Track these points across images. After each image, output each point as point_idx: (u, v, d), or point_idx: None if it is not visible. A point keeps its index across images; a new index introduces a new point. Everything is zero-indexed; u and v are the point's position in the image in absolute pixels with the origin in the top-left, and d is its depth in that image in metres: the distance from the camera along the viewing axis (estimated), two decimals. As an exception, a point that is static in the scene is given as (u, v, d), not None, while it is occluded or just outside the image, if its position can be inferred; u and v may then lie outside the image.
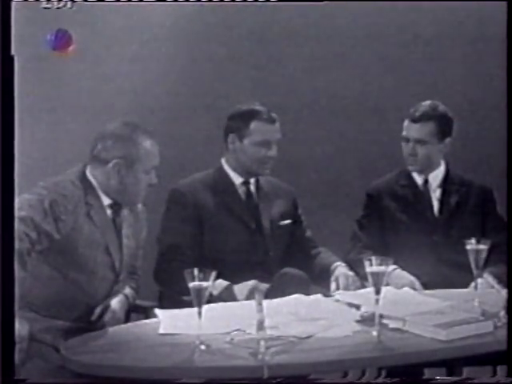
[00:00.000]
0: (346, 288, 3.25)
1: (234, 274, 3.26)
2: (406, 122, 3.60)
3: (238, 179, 3.48)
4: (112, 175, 2.98)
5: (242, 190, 3.49)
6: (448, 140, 3.61)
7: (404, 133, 3.61)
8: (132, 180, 2.99)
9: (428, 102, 3.60)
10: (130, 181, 2.99)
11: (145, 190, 3.04)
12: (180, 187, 3.46)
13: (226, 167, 3.49)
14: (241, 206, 3.46)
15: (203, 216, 3.40)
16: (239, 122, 3.43)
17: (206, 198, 3.43)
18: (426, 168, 3.62)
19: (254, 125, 3.41)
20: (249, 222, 3.45)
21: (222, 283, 3.20)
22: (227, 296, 3.19)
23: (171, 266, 3.30)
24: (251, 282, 3.20)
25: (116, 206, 3.04)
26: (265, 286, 3.07)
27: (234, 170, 3.47)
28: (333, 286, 3.27)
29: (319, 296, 3.13)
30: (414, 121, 3.57)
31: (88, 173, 3.01)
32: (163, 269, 3.36)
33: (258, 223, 3.47)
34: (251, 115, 3.42)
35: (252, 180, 3.50)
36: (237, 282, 3.24)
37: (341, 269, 3.36)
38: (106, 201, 3.02)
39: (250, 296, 3.10)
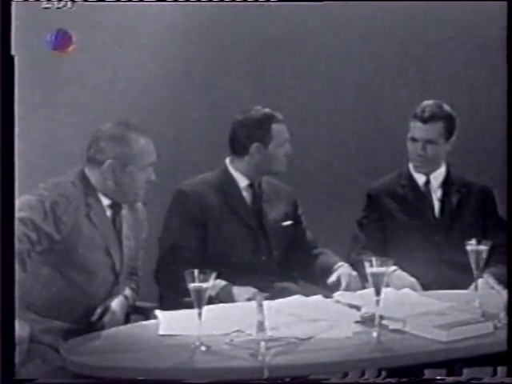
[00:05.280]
0: (348, 287, 3.24)
1: (237, 275, 3.27)
2: (414, 123, 3.58)
3: (243, 182, 3.47)
4: (107, 176, 2.97)
5: (246, 193, 3.48)
6: (453, 139, 3.62)
7: (411, 133, 3.59)
8: (128, 179, 2.98)
9: (432, 102, 3.59)
10: (126, 180, 2.98)
11: (143, 188, 3.03)
12: (184, 188, 3.45)
13: (231, 169, 3.48)
14: (245, 208, 3.46)
15: (207, 217, 3.40)
16: (259, 129, 3.42)
17: (211, 199, 3.43)
18: (433, 168, 3.62)
19: (275, 128, 3.42)
20: (252, 224, 3.45)
21: (220, 283, 3.20)
22: (225, 296, 3.19)
23: (173, 266, 3.30)
24: (252, 290, 3.20)
25: (116, 207, 3.04)
26: (264, 295, 3.06)
27: (241, 172, 3.47)
28: (333, 278, 3.25)
29: (319, 297, 3.13)
30: (424, 121, 3.55)
31: (87, 173, 3.01)
32: (164, 269, 3.36)
33: (261, 225, 3.47)
34: (269, 119, 3.42)
35: (255, 182, 3.49)
36: (240, 283, 3.25)
37: (344, 268, 3.35)
38: (106, 201, 3.02)
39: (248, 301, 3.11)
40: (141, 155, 2.98)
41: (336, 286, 3.27)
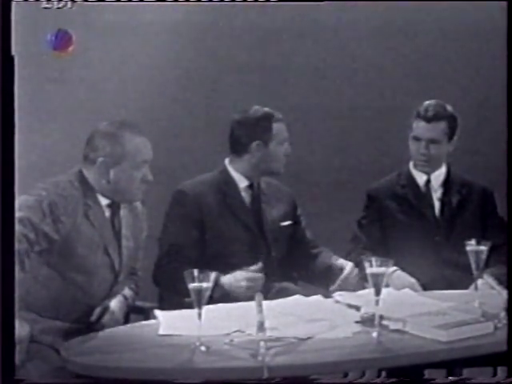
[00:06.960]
0: (346, 280, 3.24)
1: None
2: (417, 122, 3.58)
3: (243, 182, 3.47)
4: (100, 174, 2.96)
5: (246, 193, 3.48)
6: (454, 139, 3.63)
7: (414, 133, 3.59)
8: (121, 177, 2.97)
9: (435, 102, 3.60)
10: (119, 178, 2.97)
11: (140, 187, 3.02)
12: (184, 188, 3.45)
13: (231, 170, 3.48)
14: (244, 208, 3.46)
15: (206, 217, 3.40)
16: (260, 127, 3.42)
17: (210, 199, 3.42)
18: (435, 168, 3.62)
19: (275, 126, 3.42)
20: (251, 225, 3.45)
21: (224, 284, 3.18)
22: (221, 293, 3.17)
23: (171, 266, 3.30)
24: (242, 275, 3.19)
25: (114, 206, 3.03)
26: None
27: (240, 172, 3.46)
28: (340, 261, 3.26)
29: (319, 297, 3.13)
30: (428, 120, 3.56)
31: (85, 173, 3.00)
32: (163, 269, 3.35)
33: (260, 225, 3.47)
34: (270, 118, 3.43)
35: (255, 183, 3.49)
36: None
37: (352, 265, 3.33)
38: (104, 201, 3.01)
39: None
40: (132, 154, 2.97)
41: (338, 273, 3.27)
